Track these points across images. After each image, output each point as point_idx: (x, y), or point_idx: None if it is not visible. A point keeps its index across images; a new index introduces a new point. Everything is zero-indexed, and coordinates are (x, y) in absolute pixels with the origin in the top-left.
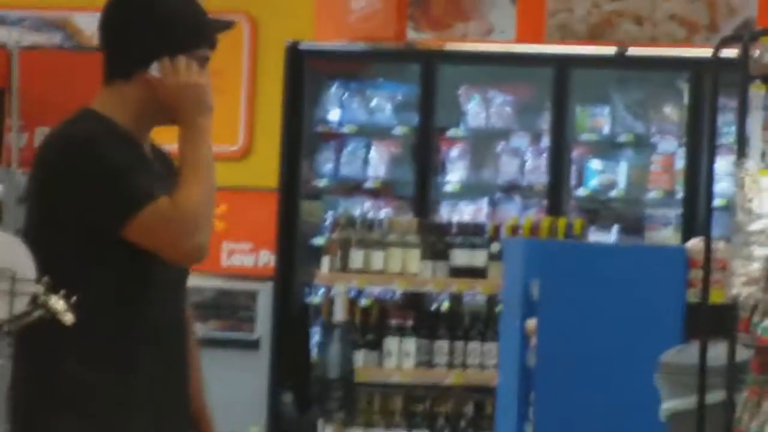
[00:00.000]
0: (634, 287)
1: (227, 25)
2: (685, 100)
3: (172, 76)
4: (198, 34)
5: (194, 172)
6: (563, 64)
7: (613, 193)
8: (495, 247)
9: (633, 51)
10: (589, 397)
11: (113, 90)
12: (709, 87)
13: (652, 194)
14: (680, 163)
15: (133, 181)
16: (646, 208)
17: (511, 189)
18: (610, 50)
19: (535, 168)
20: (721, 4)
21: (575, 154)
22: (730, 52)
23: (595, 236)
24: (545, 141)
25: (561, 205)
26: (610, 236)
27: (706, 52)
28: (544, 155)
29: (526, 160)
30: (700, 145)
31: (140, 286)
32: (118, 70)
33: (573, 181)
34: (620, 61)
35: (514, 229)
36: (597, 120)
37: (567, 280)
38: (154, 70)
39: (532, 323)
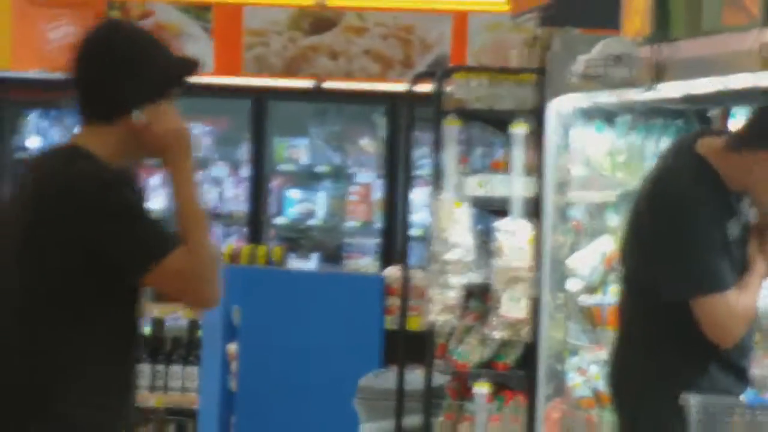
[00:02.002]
0: (334, 314)
1: (196, 66)
2: (382, 133)
3: (157, 123)
4: (173, 78)
5: (195, 219)
6: (261, 96)
7: (313, 222)
8: None
9: (329, 85)
10: (290, 421)
11: (94, 130)
12: (405, 121)
13: (351, 223)
14: (378, 194)
15: (156, 226)
16: (344, 237)
17: (211, 217)
18: (307, 83)
19: (235, 197)
20: (415, 40)
21: (274, 183)
22: (425, 87)
23: (295, 264)
24: (245, 170)
25: (261, 233)
26: (310, 264)
27: (401, 87)
28: (244, 184)
29: (226, 189)
30: (396, 176)
31: (133, 324)
32: (99, 114)
33: (273, 210)
34: (317, 94)
35: None
36: (295, 151)
37: (267, 306)
38: (137, 115)
39: (233, 348)
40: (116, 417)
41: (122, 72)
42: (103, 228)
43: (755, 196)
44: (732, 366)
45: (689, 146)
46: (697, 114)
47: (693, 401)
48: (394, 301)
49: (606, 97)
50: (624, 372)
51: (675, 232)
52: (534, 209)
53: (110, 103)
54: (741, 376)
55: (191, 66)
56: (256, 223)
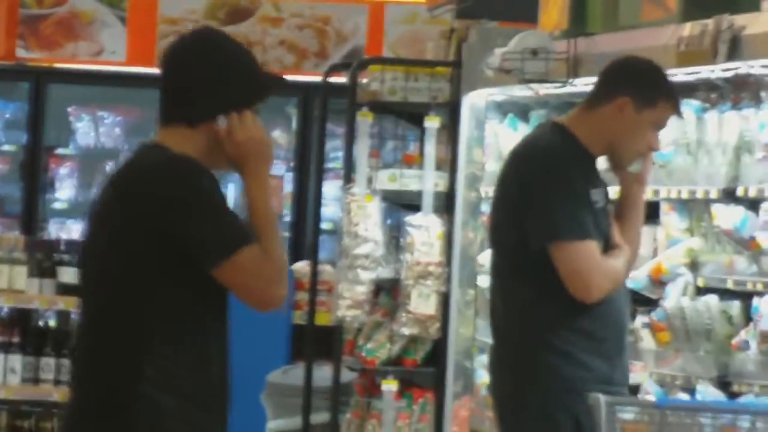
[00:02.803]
0: (241, 308)
1: (282, 82)
2: (294, 125)
3: (240, 130)
4: (261, 90)
5: (269, 224)
6: None
7: None
8: None
9: None
10: None
11: (177, 132)
12: (318, 113)
13: None
14: (288, 187)
15: (233, 220)
16: None
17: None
18: None
19: None
20: (330, 31)
21: None
22: (340, 79)
23: None
24: None
25: None
26: None
27: (315, 79)
28: None
29: None
30: (307, 169)
31: (216, 313)
32: (184, 117)
33: None
34: None
35: None
36: None
37: None
38: (221, 121)
39: None
40: (206, 414)
41: (214, 79)
42: (181, 215)
43: (618, 149)
44: (605, 349)
45: (547, 123)
46: None
47: (601, 400)
48: (303, 296)
49: (521, 91)
50: (502, 370)
51: (539, 185)
52: (445, 204)
53: (198, 108)
54: (617, 362)
55: (278, 80)
56: None
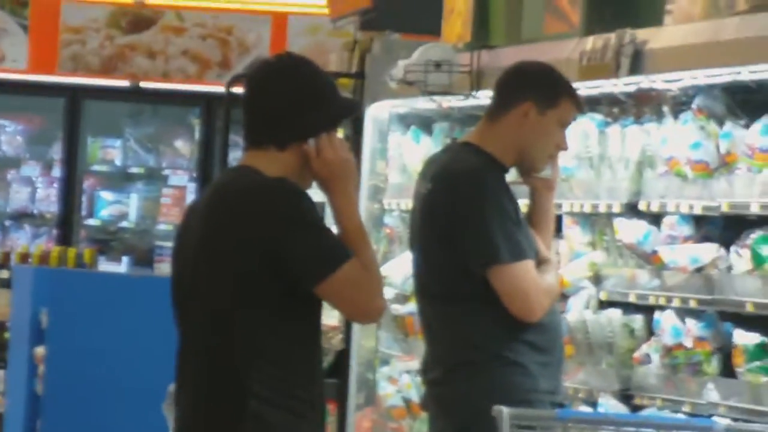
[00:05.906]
0: (144, 317)
1: (357, 104)
2: (197, 134)
3: (330, 151)
4: (344, 111)
5: (361, 239)
6: (75, 95)
7: (124, 224)
8: (4, 274)
9: (146, 85)
10: (98, 425)
11: (266, 155)
12: (221, 123)
13: (163, 226)
14: (191, 197)
15: (332, 237)
16: (156, 240)
17: (21, 217)
18: (123, 83)
19: (46, 197)
20: (233, 42)
21: (87, 184)
22: (242, 89)
23: (106, 266)
24: (57, 170)
25: (72, 235)
26: (121, 267)
27: (218, 89)
28: (56, 184)
29: (37, 189)
30: (210, 180)
31: (315, 330)
32: (275, 140)
33: (84, 211)
34: (133, 94)
35: (24, 257)
36: (109, 152)
37: (76, 308)
38: (310, 143)
39: (40, 351)
40: (312, 428)
41: (304, 102)
42: (286, 235)
43: (528, 155)
44: (551, 361)
45: (454, 144)
46: None
47: (505, 413)
48: None
49: (424, 103)
50: (450, 391)
51: (470, 210)
52: None
53: (289, 131)
54: (559, 373)
55: (356, 102)
56: (67, 225)
